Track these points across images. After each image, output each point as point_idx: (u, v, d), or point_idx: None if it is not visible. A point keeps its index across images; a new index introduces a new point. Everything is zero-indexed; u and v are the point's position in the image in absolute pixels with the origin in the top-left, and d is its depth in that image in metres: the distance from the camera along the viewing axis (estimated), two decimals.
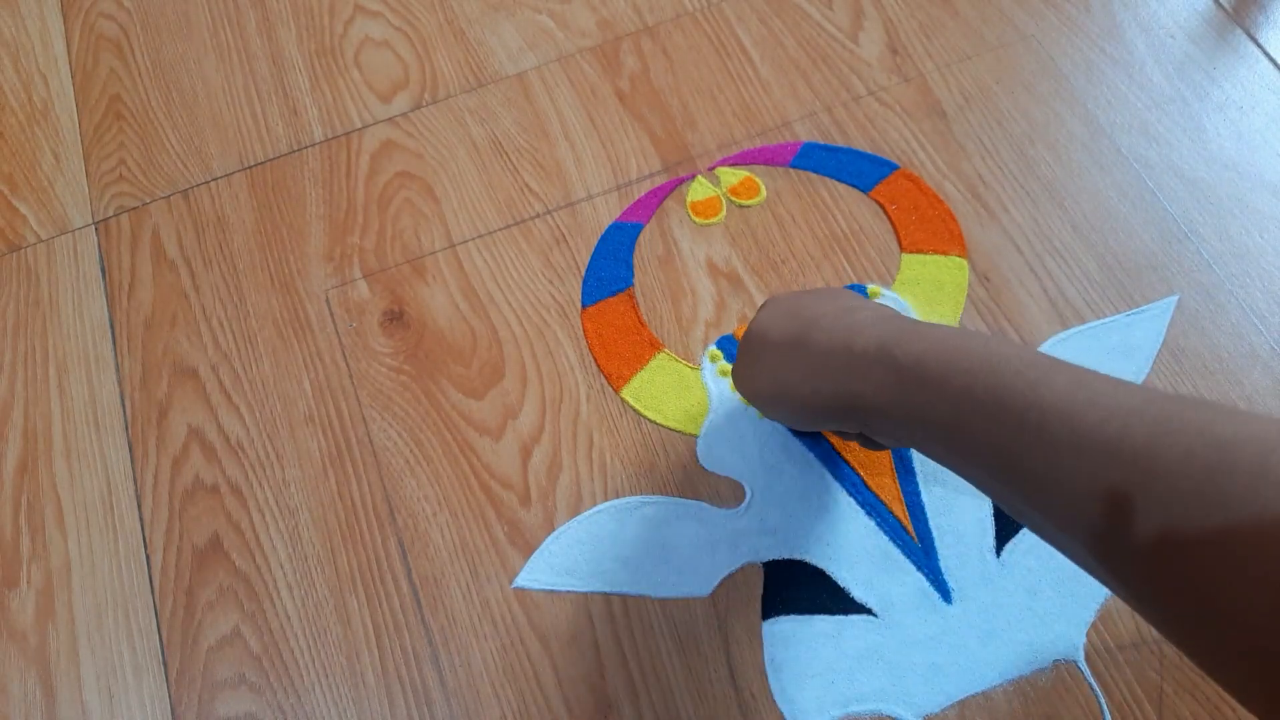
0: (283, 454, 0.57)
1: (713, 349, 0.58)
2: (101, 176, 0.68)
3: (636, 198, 0.64)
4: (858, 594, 0.51)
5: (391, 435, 0.57)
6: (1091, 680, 0.49)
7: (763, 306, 0.49)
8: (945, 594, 0.51)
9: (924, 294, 0.59)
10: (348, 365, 0.60)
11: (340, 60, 0.72)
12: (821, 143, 0.65)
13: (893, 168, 0.64)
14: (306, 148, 0.68)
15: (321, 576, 0.54)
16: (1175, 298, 0.58)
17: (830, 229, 0.62)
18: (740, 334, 0.59)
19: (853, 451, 0.55)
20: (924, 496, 0.53)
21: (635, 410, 0.57)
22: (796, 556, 0.52)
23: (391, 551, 0.54)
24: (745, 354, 0.49)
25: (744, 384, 0.49)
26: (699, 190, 0.64)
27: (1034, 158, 0.63)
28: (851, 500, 0.53)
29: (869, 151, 0.64)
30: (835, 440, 0.55)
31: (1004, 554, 0.52)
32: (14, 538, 0.56)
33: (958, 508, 0.53)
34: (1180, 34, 0.68)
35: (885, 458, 0.54)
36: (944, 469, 0.53)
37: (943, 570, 0.51)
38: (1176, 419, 0.30)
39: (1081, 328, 0.57)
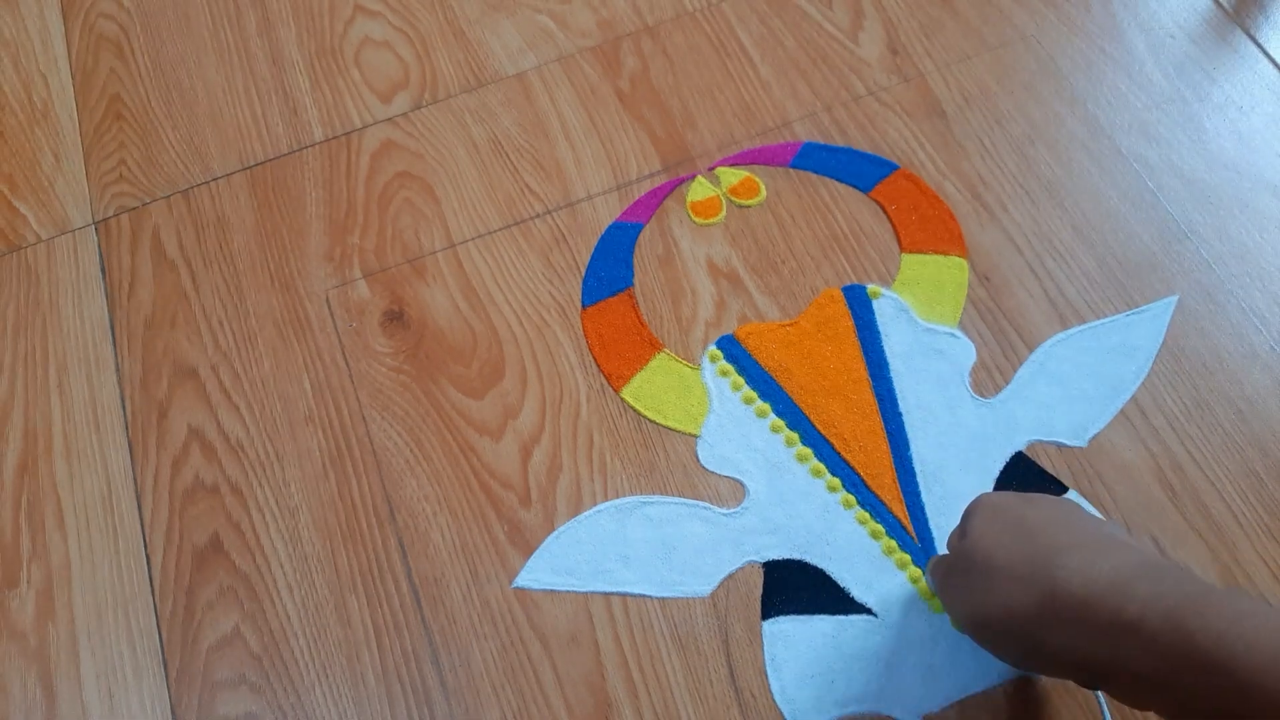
0: (283, 454, 0.57)
1: (713, 349, 0.58)
2: (101, 176, 0.68)
3: (636, 198, 0.64)
4: (858, 594, 0.51)
5: (391, 435, 0.57)
6: None
7: (974, 513, 0.43)
8: None
9: (924, 294, 0.59)
10: (348, 365, 0.60)
11: (340, 60, 0.72)
12: (821, 143, 0.65)
13: (893, 168, 0.64)
14: (306, 148, 0.68)
15: (321, 576, 0.54)
16: (1175, 298, 0.58)
17: (830, 229, 0.62)
18: (741, 334, 0.59)
19: (853, 451, 0.55)
20: (924, 496, 0.53)
21: (635, 410, 0.57)
22: (796, 556, 0.52)
23: (391, 551, 0.54)
24: (962, 572, 0.41)
25: (960, 607, 0.42)
26: (699, 190, 0.64)
27: (1034, 158, 0.63)
28: (852, 499, 0.53)
29: (869, 151, 0.64)
30: (835, 440, 0.55)
31: None
32: (14, 538, 0.56)
33: (958, 508, 0.53)
34: (1180, 34, 0.68)
35: (885, 457, 0.54)
36: (943, 469, 0.54)
37: None
38: None
39: (1081, 328, 0.57)
